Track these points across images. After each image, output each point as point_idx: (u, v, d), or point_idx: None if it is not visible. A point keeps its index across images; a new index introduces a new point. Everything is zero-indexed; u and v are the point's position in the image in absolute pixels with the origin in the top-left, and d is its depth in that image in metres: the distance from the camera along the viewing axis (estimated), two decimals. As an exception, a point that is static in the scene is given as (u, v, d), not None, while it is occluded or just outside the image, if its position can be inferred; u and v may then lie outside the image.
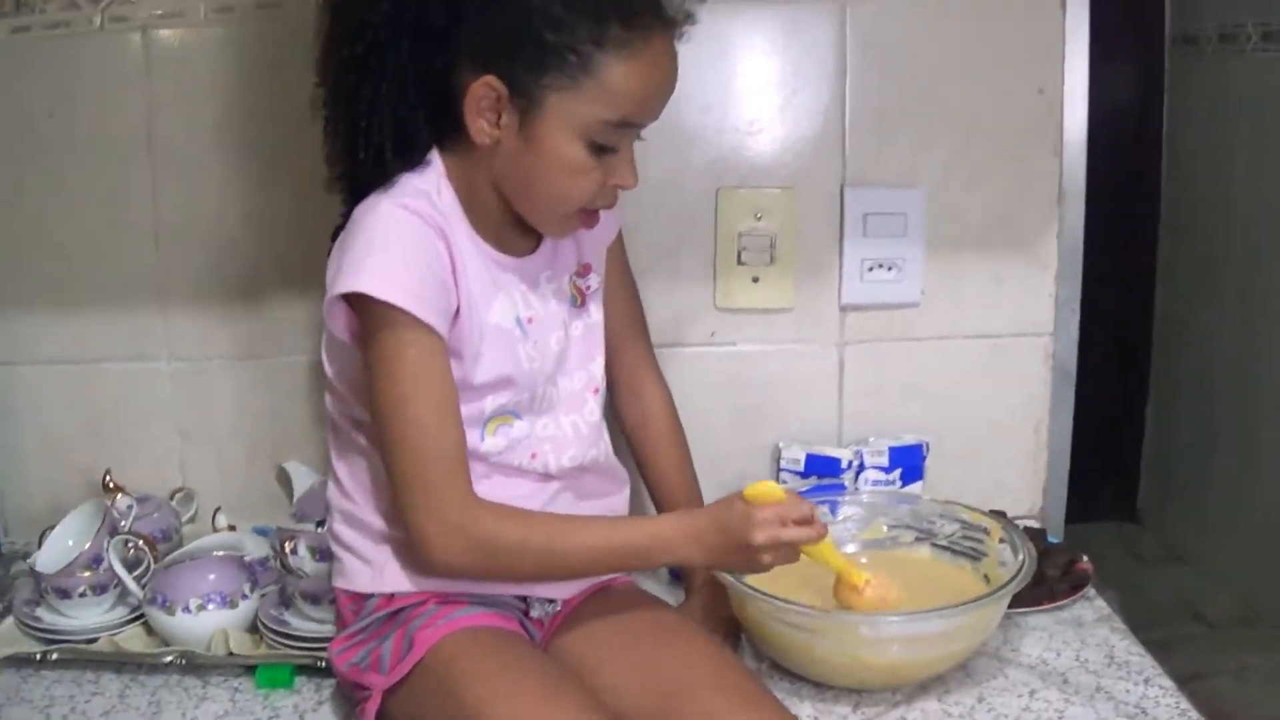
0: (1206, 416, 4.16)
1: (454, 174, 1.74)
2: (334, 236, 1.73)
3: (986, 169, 2.36)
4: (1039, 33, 2.33)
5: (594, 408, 1.90)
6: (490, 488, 1.75)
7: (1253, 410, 3.85)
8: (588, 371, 1.90)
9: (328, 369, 1.80)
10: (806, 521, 1.71)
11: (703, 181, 2.33)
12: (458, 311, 1.69)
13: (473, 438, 1.74)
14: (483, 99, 1.66)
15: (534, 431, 1.82)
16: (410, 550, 1.73)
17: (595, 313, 1.93)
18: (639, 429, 2.09)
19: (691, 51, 2.18)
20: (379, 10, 1.65)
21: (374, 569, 1.78)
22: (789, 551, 1.71)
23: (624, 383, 2.07)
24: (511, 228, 1.79)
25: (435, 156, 1.74)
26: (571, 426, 1.86)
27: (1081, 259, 2.41)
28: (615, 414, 2.09)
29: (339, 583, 1.83)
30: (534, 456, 1.81)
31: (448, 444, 1.67)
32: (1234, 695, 3.47)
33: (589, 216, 1.77)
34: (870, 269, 2.36)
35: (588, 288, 1.91)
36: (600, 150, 1.67)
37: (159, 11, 2.30)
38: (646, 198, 2.22)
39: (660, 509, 2.09)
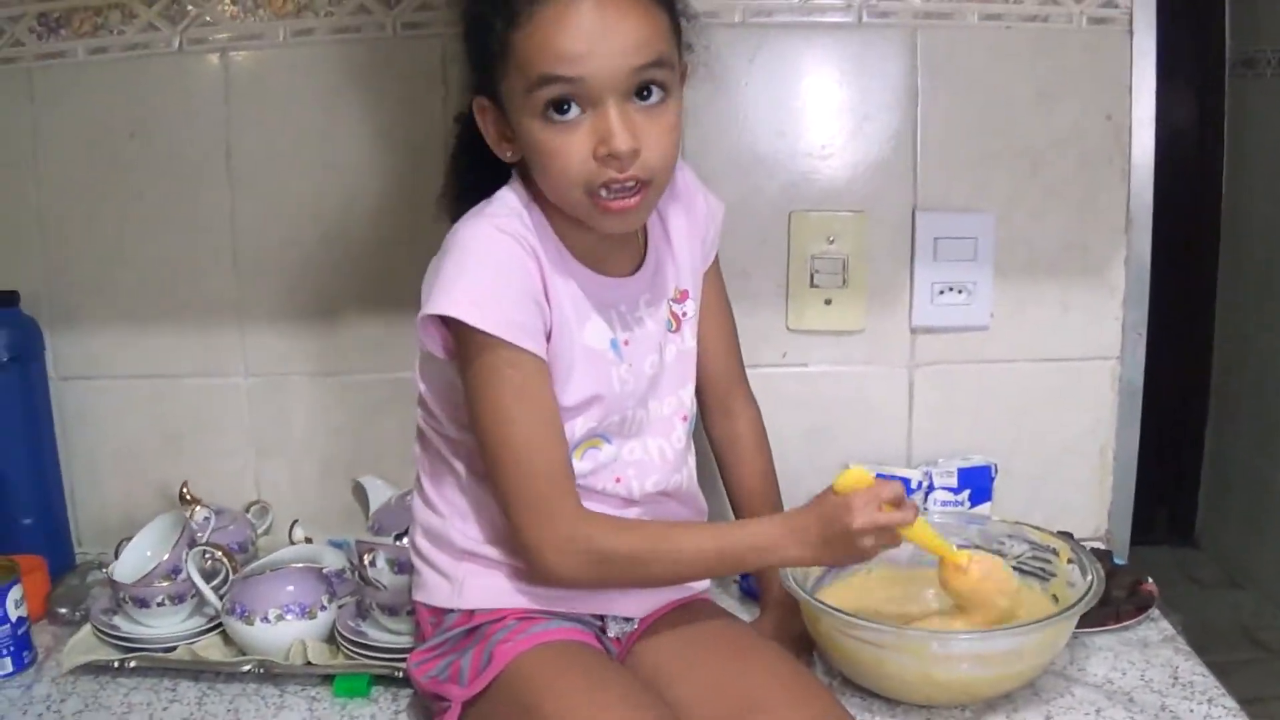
0: (1265, 441, 4.15)
1: (539, 200, 1.76)
2: None
3: (1055, 194, 2.37)
4: (1106, 59, 2.35)
5: (681, 434, 1.91)
6: None
7: (1312, 436, 3.85)
8: (678, 397, 1.90)
9: (420, 385, 1.82)
10: (899, 502, 1.72)
11: (776, 205, 2.35)
12: (550, 333, 1.70)
13: None
14: (485, 119, 1.73)
15: (620, 455, 1.83)
16: (494, 567, 1.77)
17: (689, 339, 1.93)
18: (728, 448, 2.10)
19: (765, 77, 2.23)
20: None
21: (454, 584, 1.80)
22: (889, 535, 1.73)
23: (717, 401, 2.08)
24: (606, 248, 1.80)
25: (522, 186, 1.77)
26: (658, 451, 1.87)
27: (1148, 284, 2.42)
28: (705, 431, 2.11)
29: (419, 596, 1.85)
30: (618, 480, 1.83)
31: (554, 461, 1.70)
32: (1291, 720, 3.47)
33: (611, 199, 1.66)
34: (941, 292, 2.38)
35: (684, 314, 1.91)
36: (556, 121, 1.63)
37: (237, 34, 2.34)
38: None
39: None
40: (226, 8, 2.33)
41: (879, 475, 2.26)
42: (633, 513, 1.85)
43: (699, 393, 2.01)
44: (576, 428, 1.77)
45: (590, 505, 1.78)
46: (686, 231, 1.93)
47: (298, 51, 2.34)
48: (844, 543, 1.71)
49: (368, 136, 2.32)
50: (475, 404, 1.70)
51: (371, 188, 2.33)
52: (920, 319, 2.40)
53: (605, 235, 1.76)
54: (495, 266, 1.66)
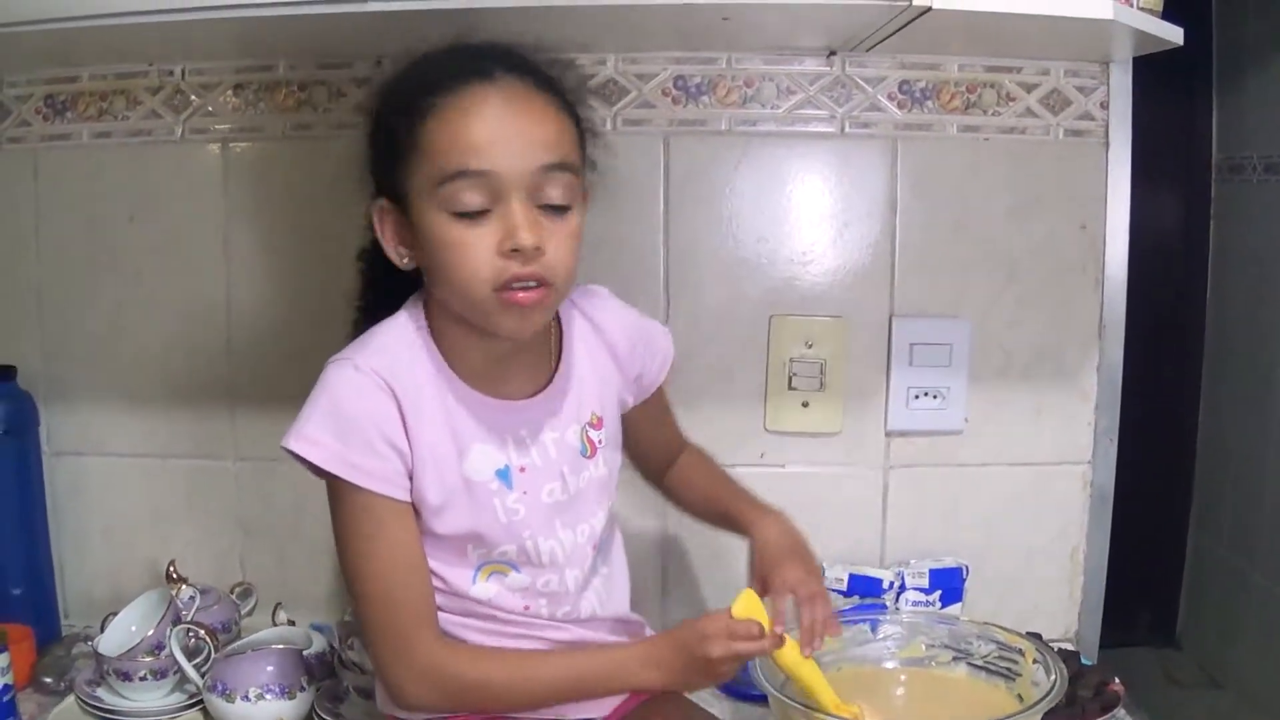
0: (1245, 543, 4.15)
1: (433, 321, 1.75)
2: None
3: (1029, 302, 2.42)
4: (1082, 170, 2.40)
5: (591, 562, 1.86)
6: (480, 632, 1.78)
7: (1292, 539, 3.86)
8: (590, 525, 1.84)
9: None
10: (754, 636, 1.71)
11: (757, 309, 2.39)
12: (413, 471, 1.70)
13: (463, 580, 1.76)
14: (382, 220, 1.73)
15: (535, 584, 1.79)
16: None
17: (602, 465, 1.86)
18: (677, 478, 2.10)
19: (749, 184, 2.26)
20: None
21: None
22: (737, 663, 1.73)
23: (665, 466, 2.07)
24: (506, 367, 1.77)
25: (415, 307, 1.77)
26: (573, 581, 1.82)
27: (1120, 390, 2.46)
28: (657, 487, 2.11)
29: (380, 705, 1.84)
30: (526, 609, 1.80)
31: (411, 597, 1.69)
32: (1267, 819, 3.48)
33: (515, 293, 1.63)
34: (916, 397, 2.42)
35: (600, 441, 1.86)
36: (466, 216, 1.62)
37: (238, 125, 2.39)
38: (703, 323, 2.34)
39: (733, 523, 2.00)
40: (229, 99, 2.39)
41: (851, 575, 2.32)
42: (549, 636, 1.82)
43: (649, 470, 2.06)
44: (469, 553, 1.76)
45: (504, 628, 1.78)
46: (608, 363, 1.90)
47: (297, 145, 2.38)
48: (702, 670, 1.71)
49: (360, 230, 2.34)
50: (336, 539, 1.70)
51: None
52: (895, 422, 2.43)
53: (499, 348, 1.74)
54: (344, 408, 1.67)
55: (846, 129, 2.37)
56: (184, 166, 2.42)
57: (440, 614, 1.75)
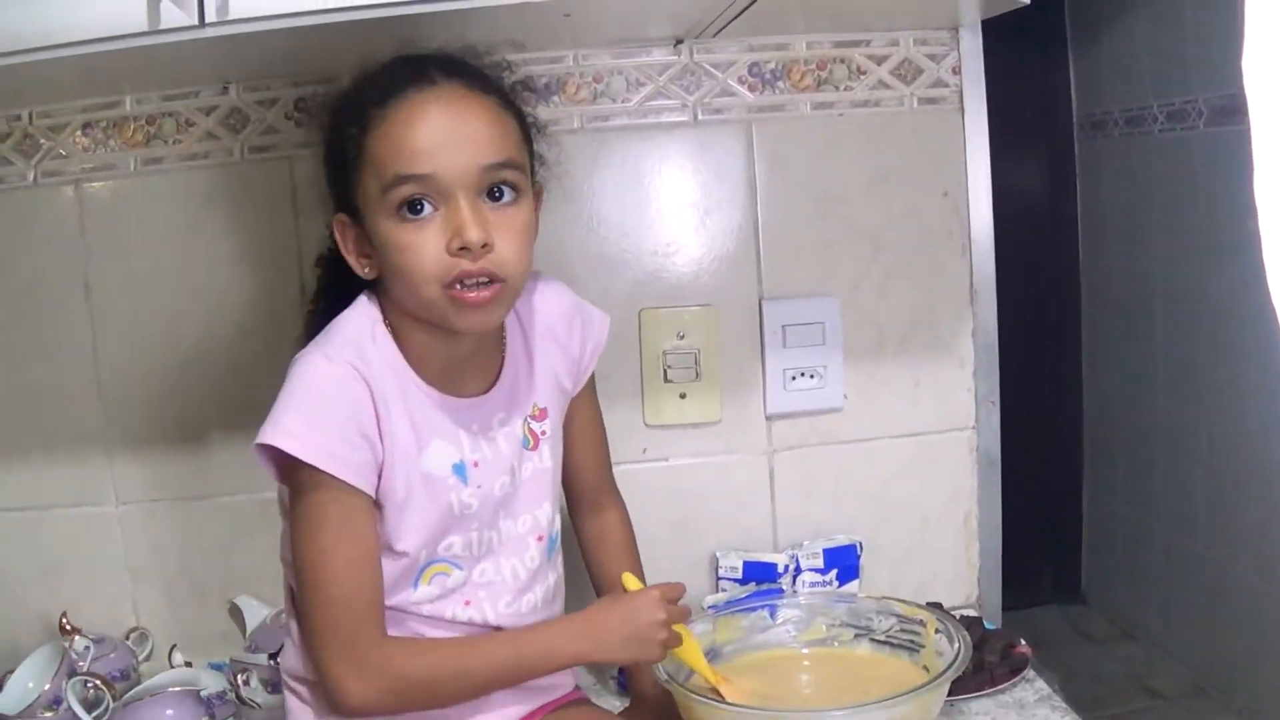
0: (1140, 492, 4.20)
1: (390, 319, 1.76)
2: None
3: (898, 273, 2.43)
4: (940, 137, 2.42)
5: (535, 554, 1.87)
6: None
7: (1185, 484, 3.88)
8: (533, 516, 1.87)
9: (281, 518, 1.79)
10: (681, 596, 1.79)
11: (625, 303, 2.38)
12: (383, 467, 1.69)
13: (406, 588, 1.76)
14: (343, 234, 1.74)
15: (471, 578, 1.80)
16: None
17: (547, 457, 1.89)
18: (596, 543, 2.09)
19: (608, 180, 2.25)
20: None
21: (317, 712, 1.78)
22: (675, 635, 1.76)
23: (586, 501, 2.07)
24: (461, 366, 1.79)
25: (371, 302, 1.76)
26: (510, 572, 1.84)
27: (998, 353, 2.48)
28: (574, 528, 2.11)
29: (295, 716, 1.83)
30: (467, 604, 1.80)
31: (363, 595, 1.67)
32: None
33: (465, 292, 1.67)
34: (793, 378, 2.42)
35: (542, 432, 1.89)
36: (413, 219, 1.65)
37: (90, 165, 2.35)
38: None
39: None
40: (78, 140, 2.34)
41: (745, 562, 2.32)
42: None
43: (569, 494, 2.03)
44: (421, 557, 1.76)
45: (440, 634, 1.78)
46: (551, 348, 1.91)
47: (150, 180, 2.35)
48: (639, 637, 1.74)
49: (223, 259, 2.33)
50: (296, 533, 1.69)
51: (230, 310, 2.34)
52: (775, 406, 2.43)
53: (457, 349, 1.77)
54: (320, 398, 1.66)
55: (699, 116, 2.37)
56: (39, 211, 2.37)
57: None
